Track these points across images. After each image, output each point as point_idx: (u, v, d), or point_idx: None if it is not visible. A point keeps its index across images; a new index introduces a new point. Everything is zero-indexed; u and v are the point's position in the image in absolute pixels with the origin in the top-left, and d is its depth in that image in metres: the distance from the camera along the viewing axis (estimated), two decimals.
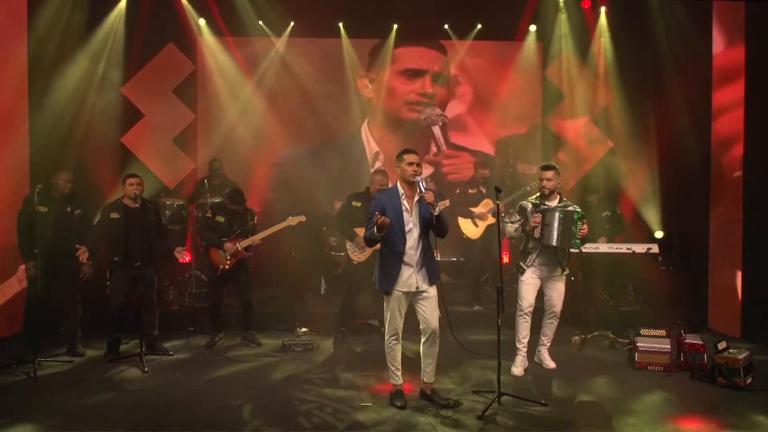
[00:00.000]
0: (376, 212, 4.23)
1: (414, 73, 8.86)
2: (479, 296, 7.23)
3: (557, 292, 5.33)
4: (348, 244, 6.15)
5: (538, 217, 5.15)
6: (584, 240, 5.18)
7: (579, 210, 5.16)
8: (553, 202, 5.27)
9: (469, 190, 7.22)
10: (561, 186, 5.38)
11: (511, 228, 5.35)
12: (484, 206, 7.07)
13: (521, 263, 5.36)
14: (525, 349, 5.35)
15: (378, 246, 5.90)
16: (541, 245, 5.18)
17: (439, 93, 8.91)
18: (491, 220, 7.01)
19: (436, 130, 8.87)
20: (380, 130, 8.86)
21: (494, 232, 6.94)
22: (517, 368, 5.28)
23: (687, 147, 7.37)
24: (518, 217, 5.35)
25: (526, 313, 5.29)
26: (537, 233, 5.15)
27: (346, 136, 8.78)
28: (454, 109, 8.92)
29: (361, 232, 6.05)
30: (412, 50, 8.80)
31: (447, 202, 6.47)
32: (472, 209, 7.09)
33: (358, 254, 6.09)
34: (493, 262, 7.21)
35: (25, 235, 5.49)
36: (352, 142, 8.79)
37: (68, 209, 5.68)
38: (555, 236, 5.09)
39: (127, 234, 5.61)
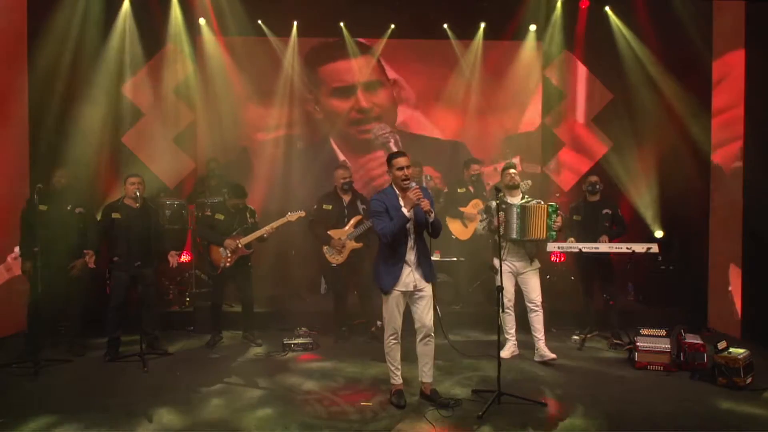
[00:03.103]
0: (417, 190, 4.24)
1: (343, 91, 8.55)
2: (461, 296, 7.20)
3: (532, 285, 5.58)
4: (324, 248, 6.13)
5: (501, 216, 5.37)
6: (560, 231, 5.52)
7: (553, 204, 5.48)
8: (516, 198, 5.62)
9: (458, 190, 7.09)
10: (527, 184, 5.94)
11: (479, 227, 5.83)
12: (474, 206, 6.93)
13: (495, 258, 5.46)
14: (513, 338, 5.68)
15: (358, 245, 5.98)
16: (507, 239, 5.49)
17: (381, 100, 8.59)
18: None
19: (392, 146, 8.52)
20: (342, 143, 8.64)
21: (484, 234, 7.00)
22: (505, 352, 5.53)
23: (687, 146, 7.37)
24: (485, 215, 5.74)
25: (507, 308, 5.49)
26: (502, 230, 5.40)
27: (321, 140, 8.68)
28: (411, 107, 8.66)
29: (335, 234, 6.05)
30: (334, 66, 8.45)
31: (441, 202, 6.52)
32: (462, 209, 6.98)
33: (335, 256, 6.10)
34: (484, 264, 7.21)
35: (27, 234, 5.50)
36: (324, 147, 8.66)
37: (68, 208, 5.68)
38: (515, 229, 5.44)
39: (128, 234, 5.61)
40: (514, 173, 5.62)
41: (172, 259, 5.91)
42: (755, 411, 4.47)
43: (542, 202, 5.56)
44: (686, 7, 7.26)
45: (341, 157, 8.61)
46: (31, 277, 5.48)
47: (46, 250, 5.25)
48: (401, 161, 4.36)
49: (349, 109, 8.59)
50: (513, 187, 5.62)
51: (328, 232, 6.08)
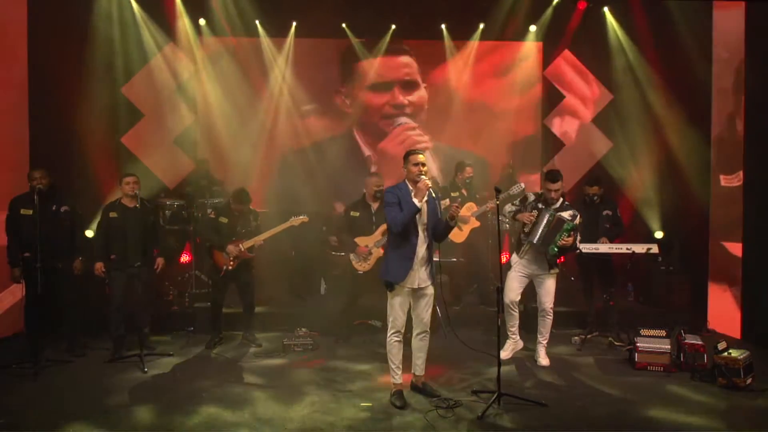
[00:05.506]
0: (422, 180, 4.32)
1: (381, 86, 8.65)
2: (460, 297, 7.21)
3: (546, 289, 5.46)
4: (351, 256, 6.12)
5: (531, 215, 5.31)
6: (563, 249, 5.27)
7: (572, 222, 5.18)
8: (556, 204, 5.39)
9: (451, 193, 7.00)
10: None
11: (507, 209, 5.61)
12: (467, 209, 6.88)
13: (514, 254, 5.52)
14: (515, 337, 5.62)
15: (384, 253, 5.95)
16: (527, 240, 5.34)
17: (416, 100, 8.70)
18: (475, 223, 6.93)
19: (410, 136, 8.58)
20: (368, 138, 8.73)
21: (478, 235, 6.98)
22: (505, 351, 5.48)
23: (687, 146, 7.37)
24: (518, 203, 5.61)
25: (510, 307, 5.51)
26: (527, 228, 5.33)
27: (341, 135, 8.69)
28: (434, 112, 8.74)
29: (362, 241, 6.04)
30: (374, 62, 8.54)
31: (447, 201, 6.48)
32: None
33: (362, 264, 6.06)
34: (480, 265, 7.20)
35: (12, 242, 5.49)
36: (347, 141, 8.69)
37: (53, 208, 5.57)
38: (538, 235, 5.24)
39: (125, 233, 5.62)
40: (556, 189, 5.28)
41: (159, 265, 5.90)
42: (754, 412, 4.47)
43: (577, 218, 5.29)
44: (686, 7, 7.25)
45: (365, 150, 8.69)
46: (26, 279, 5.45)
47: (37, 253, 5.19)
48: (418, 158, 4.46)
49: (383, 104, 8.70)
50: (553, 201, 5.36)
51: (355, 240, 6.06)
